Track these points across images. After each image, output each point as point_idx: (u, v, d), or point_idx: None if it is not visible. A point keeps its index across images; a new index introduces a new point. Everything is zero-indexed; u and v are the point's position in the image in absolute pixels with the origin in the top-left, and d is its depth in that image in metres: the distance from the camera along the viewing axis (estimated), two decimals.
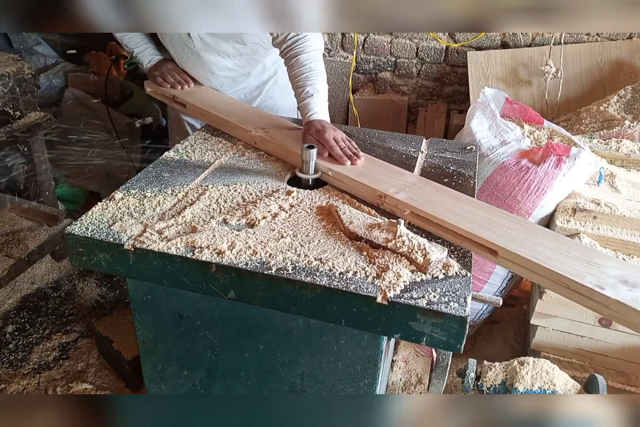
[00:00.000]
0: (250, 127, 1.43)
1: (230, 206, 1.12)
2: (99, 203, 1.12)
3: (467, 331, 0.87)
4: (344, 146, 1.29)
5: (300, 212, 1.11)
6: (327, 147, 1.28)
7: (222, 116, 1.50)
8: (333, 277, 0.91)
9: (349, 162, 1.25)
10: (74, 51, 3.00)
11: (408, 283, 0.91)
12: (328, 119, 1.41)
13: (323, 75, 1.48)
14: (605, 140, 1.99)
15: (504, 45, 2.67)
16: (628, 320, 0.87)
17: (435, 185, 1.20)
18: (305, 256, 0.96)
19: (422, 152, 1.43)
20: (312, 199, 1.16)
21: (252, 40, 1.62)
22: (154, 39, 1.80)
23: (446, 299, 0.88)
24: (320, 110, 1.40)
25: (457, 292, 0.89)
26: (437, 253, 0.96)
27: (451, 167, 1.35)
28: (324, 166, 1.24)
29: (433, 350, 1.52)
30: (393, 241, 0.97)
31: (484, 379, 1.37)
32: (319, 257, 0.96)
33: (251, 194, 1.17)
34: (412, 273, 0.93)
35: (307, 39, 1.50)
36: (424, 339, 0.89)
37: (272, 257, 0.96)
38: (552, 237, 1.04)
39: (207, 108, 1.56)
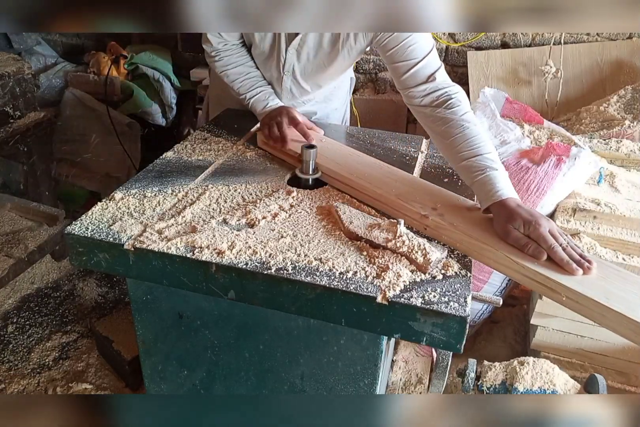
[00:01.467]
0: (415, 205, 1.08)
1: (230, 206, 1.12)
2: (99, 203, 1.12)
3: (467, 330, 0.87)
4: (566, 246, 0.94)
5: (300, 212, 1.11)
6: (545, 246, 0.93)
7: (371, 188, 1.14)
8: (333, 277, 0.91)
9: (580, 272, 0.91)
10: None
11: (408, 283, 0.91)
12: (517, 198, 1.04)
13: (492, 141, 1.16)
14: (605, 140, 1.99)
15: (504, 45, 2.67)
16: None
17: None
18: (305, 255, 0.96)
19: (422, 152, 1.43)
20: (312, 199, 1.16)
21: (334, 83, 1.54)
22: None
23: (446, 299, 0.88)
24: (509, 187, 1.04)
25: (457, 292, 0.89)
26: (437, 253, 0.96)
27: (451, 167, 1.35)
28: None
29: (433, 350, 1.52)
30: (393, 241, 0.97)
31: (484, 379, 1.37)
32: (319, 257, 0.96)
33: (251, 194, 1.17)
34: (412, 273, 0.93)
35: (459, 94, 1.22)
36: (424, 339, 0.89)
37: (272, 257, 0.96)
38: None
39: (349, 175, 1.19)
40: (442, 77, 1.25)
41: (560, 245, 0.93)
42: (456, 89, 1.23)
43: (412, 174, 1.27)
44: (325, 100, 1.70)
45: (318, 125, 1.48)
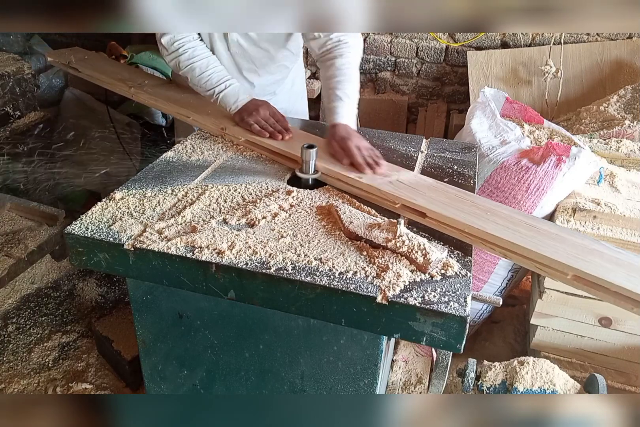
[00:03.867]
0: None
1: (230, 206, 1.12)
2: (99, 203, 1.12)
3: (467, 330, 0.86)
4: (366, 155, 1.26)
5: (300, 212, 1.11)
6: (349, 154, 1.25)
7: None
8: (333, 277, 0.91)
9: (369, 171, 1.22)
10: None
11: (408, 283, 0.91)
12: (354, 126, 1.38)
13: (356, 83, 1.45)
14: (605, 140, 1.99)
15: (504, 45, 2.67)
16: None
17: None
18: (305, 255, 0.96)
19: (422, 152, 1.43)
20: (312, 199, 1.16)
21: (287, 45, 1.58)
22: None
23: (446, 299, 0.88)
24: (347, 115, 1.37)
25: (457, 292, 0.89)
26: (437, 253, 0.96)
27: (451, 167, 1.35)
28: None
29: (433, 350, 1.52)
30: (393, 241, 0.97)
31: (484, 379, 1.37)
32: (319, 257, 0.96)
33: (251, 194, 1.17)
34: (412, 273, 0.93)
35: (348, 44, 1.47)
36: (424, 338, 0.89)
37: (272, 257, 0.96)
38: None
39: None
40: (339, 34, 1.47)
41: (363, 155, 1.25)
42: (346, 45, 1.46)
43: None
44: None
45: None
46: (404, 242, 0.97)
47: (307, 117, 1.87)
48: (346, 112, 1.38)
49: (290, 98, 1.81)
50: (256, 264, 0.94)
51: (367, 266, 0.95)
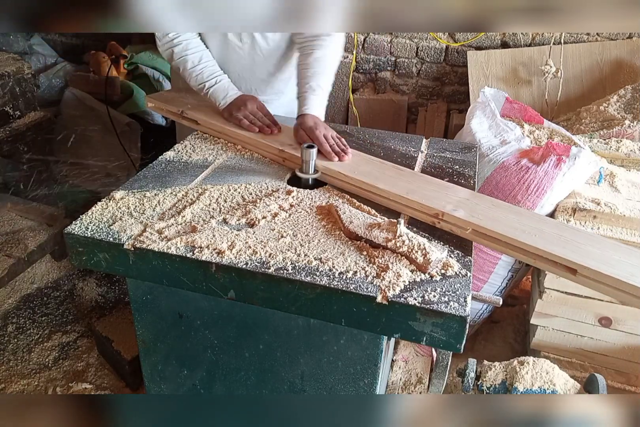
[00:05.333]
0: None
1: (230, 206, 1.12)
2: (99, 203, 1.12)
3: (467, 330, 0.86)
4: (332, 143, 1.30)
5: (300, 212, 1.11)
6: (317, 143, 1.28)
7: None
8: (333, 277, 0.91)
9: (336, 159, 1.26)
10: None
11: (408, 283, 0.91)
12: (322, 117, 1.42)
13: (330, 77, 1.48)
14: (605, 140, 1.99)
15: (504, 45, 2.67)
16: None
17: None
18: (305, 255, 0.96)
19: (422, 151, 1.43)
20: (312, 199, 1.16)
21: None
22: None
23: (446, 299, 0.88)
24: (316, 107, 1.41)
25: (457, 292, 0.89)
26: (437, 253, 0.96)
27: (451, 167, 1.35)
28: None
29: (433, 350, 1.52)
30: (393, 241, 0.97)
31: (484, 379, 1.37)
32: (319, 257, 0.96)
33: (251, 194, 1.17)
34: (412, 273, 0.93)
35: (326, 38, 1.50)
36: (424, 338, 0.89)
37: (272, 256, 0.96)
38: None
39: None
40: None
41: (329, 143, 1.29)
42: (328, 38, 1.49)
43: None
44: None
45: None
46: (404, 242, 0.97)
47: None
48: (316, 103, 1.41)
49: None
50: (256, 264, 0.94)
51: (367, 265, 0.95)
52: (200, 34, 1.56)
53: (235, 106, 1.44)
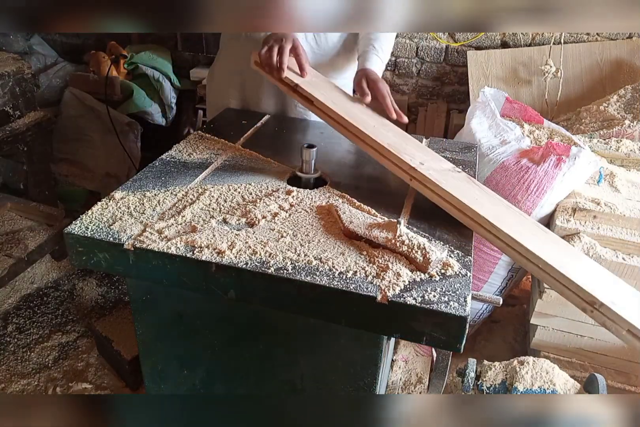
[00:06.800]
0: (406, 157, 1.14)
1: (230, 206, 1.12)
2: (99, 202, 1.12)
3: (467, 330, 0.86)
4: (392, 100, 1.35)
5: (300, 212, 1.11)
6: (380, 95, 1.33)
7: (372, 137, 1.17)
8: (333, 277, 0.91)
9: (394, 116, 1.31)
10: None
11: (408, 283, 0.91)
12: (376, 72, 1.47)
13: (390, 47, 1.56)
14: (605, 139, 1.99)
15: (504, 45, 2.67)
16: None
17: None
18: (305, 255, 0.96)
19: None
20: (312, 199, 1.16)
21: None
22: None
23: (446, 299, 0.88)
24: (378, 67, 1.48)
25: (457, 292, 0.89)
26: (437, 253, 0.96)
27: None
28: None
29: (433, 349, 1.52)
30: (393, 241, 0.97)
31: (484, 379, 1.37)
32: (319, 257, 0.96)
33: (251, 194, 1.17)
34: (412, 273, 0.93)
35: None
36: (424, 338, 0.89)
37: (272, 256, 0.96)
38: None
39: (345, 115, 1.21)
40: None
41: (392, 100, 1.35)
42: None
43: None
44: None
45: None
46: (403, 242, 0.97)
47: None
48: (378, 64, 1.48)
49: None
50: (256, 263, 0.94)
51: (367, 265, 0.95)
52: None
53: (272, 36, 1.36)
